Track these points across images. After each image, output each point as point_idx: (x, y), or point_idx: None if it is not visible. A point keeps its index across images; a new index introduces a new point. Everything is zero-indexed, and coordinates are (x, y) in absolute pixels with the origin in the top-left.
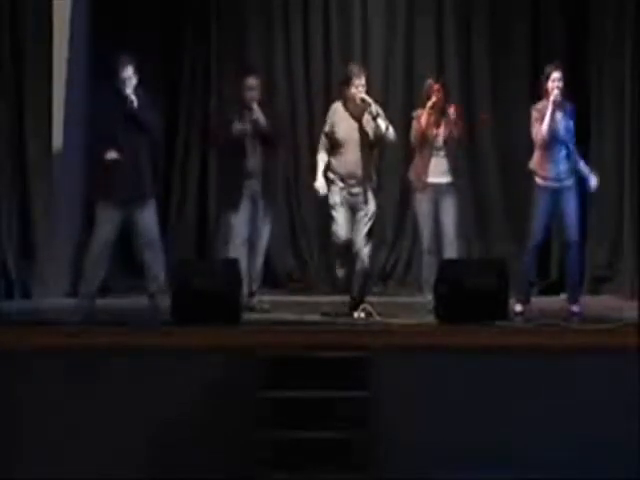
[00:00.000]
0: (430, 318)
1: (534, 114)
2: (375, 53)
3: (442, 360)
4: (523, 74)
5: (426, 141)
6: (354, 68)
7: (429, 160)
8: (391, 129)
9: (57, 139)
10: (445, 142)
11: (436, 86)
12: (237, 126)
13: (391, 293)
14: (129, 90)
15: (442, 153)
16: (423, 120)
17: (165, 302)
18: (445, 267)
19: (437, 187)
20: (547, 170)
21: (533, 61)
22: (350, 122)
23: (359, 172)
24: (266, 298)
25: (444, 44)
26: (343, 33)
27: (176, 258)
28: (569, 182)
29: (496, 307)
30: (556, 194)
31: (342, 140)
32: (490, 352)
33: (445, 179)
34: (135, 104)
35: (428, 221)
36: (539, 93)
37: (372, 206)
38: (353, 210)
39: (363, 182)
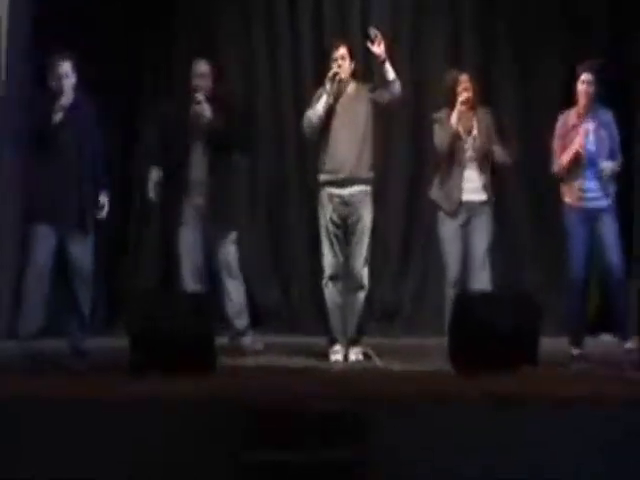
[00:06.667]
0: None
1: (557, 125)
2: None
3: (458, 415)
4: (554, 72)
5: (456, 149)
6: (334, 41)
7: (461, 174)
8: (398, 83)
9: None
10: (478, 151)
11: (463, 77)
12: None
13: (396, 333)
14: (65, 89)
15: (474, 165)
16: (454, 120)
17: (92, 344)
18: (462, 302)
19: (469, 206)
20: (575, 188)
21: (567, 58)
22: (341, 107)
23: (350, 163)
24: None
25: (460, 38)
26: (338, 15)
27: (136, 290)
28: (604, 202)
29: (524, 351)
30: (589, 216)
31: (330, 126)
32: (517, 404)
33: (479, 197)
34: (68, 101)
35: (455, 247)
36: (572, 97)
37: (367, 219)
38: (345, 222)
39: (357, 180)
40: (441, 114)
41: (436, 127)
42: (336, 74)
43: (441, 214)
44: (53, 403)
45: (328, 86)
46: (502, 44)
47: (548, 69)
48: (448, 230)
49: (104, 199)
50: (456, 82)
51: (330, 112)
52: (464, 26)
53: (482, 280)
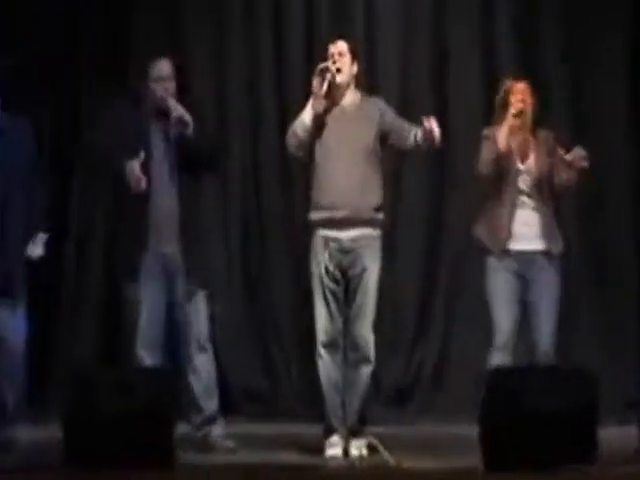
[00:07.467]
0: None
1: None
2: (387, 41)
3: None
4: (613, 76)
5: (507, 176)
6: (334, 36)
7: (512, 210)
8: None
9: None
10: (538, 183)
11: (520, 85)
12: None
13: (411, 420)
14: None
15: (532, 202)
16: (502, 136)
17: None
18: (497, 380)
19: (525, 257)
20: None
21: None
22: (338, 122)
23: (352, 198)
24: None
25: (496, 40)
26: (335, 9)
27: (72, 363)
28: None
29: (578, 443)
30: None
31: (324, 148)
32: None
33: (536, 245)
34: None
35: (508, 301)
36: None
37: (374, 271)
38: (345, 275)
39: (360, 220)
40: (490, 131)
41: (483, 146)
42: (326, 69)
43: (490, 260)
44: None
45: (315, 82)
46: (549, 45)
47: (605, 73)
48: (498, 279)
49: (39, 243)
50: (510, 91)
51: (322, 126)
52: (500, 26)
53: (544, 354)
